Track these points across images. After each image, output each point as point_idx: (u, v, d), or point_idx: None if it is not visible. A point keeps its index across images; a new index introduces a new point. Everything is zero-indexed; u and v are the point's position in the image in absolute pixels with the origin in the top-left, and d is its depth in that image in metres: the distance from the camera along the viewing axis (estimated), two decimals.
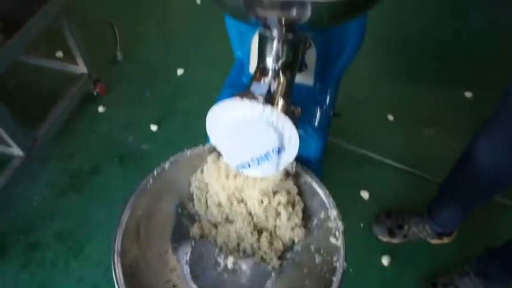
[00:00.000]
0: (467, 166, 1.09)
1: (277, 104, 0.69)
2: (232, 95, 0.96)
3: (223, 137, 0.74)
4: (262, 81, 0.73)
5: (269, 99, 0.68)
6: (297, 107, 0.90)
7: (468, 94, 1.84)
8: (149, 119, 1.67)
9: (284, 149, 0.72)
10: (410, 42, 2.06)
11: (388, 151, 1.59)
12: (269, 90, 0.71)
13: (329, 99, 0.99)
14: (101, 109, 1.69)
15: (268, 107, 0.65)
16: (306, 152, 0.91)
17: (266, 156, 0.73)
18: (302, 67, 0.95)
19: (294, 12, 0.53)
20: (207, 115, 0.71)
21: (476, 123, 1.73)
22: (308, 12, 0.53)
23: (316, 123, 0.91)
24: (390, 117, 1.72)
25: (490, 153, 1.02)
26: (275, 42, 0.72)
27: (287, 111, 0.73)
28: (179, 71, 1.83)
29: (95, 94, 1.70)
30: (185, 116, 1.69)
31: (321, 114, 0.94)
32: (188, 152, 0.90)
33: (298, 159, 0.93)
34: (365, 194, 1.48)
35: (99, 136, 1.62)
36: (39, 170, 1.49)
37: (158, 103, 1.73)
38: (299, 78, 0.96)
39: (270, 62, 0.77)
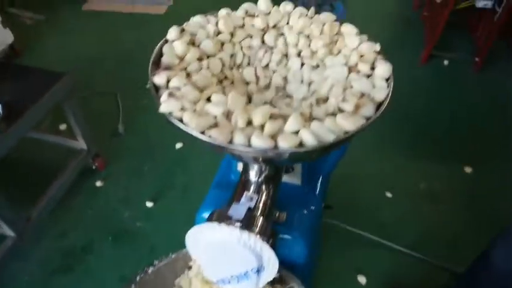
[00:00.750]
0: (485, 271, 1.06)
1: (255, 226, 0.69)
2: (219, 197, 0.96)
3: (203, 254, 0.73)
4: (244, 196, 0.74)
5: (247, 222, 0.68)
6: (282, 213, 0.90)
7: (468, 169, 1.82)
8: (146, 194, 1.67)
9: (264, 268, 0.71)
10: (407, 118, 2.09)
11: (386, 231, 1.55)
12: (249, 209, 0.71)
13: (318, 198, 0.99)
14: (99, 183, 1.71)
15: (245, 233, 0.65)
16: (292, 257, 0.90)
17: (245, 275, 0.71)
18: (289, 169, 0.96)
19: (267, 159, 0.54)
20: (187, 234, 0.70)
21: (477, 199, 1.72)
22: (282, 159, 0.54)
23: (302, 227, 0.90)
24: (389, 195, 1.70)
25: (508, 261, 0.99)
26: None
27: (267, 228, 0.72)
28: (178, 145, 1.86)
29: (93, 168, 1.72)
30: (182, 191, 1.70)
31: (308, 217, 0.93)
32: (172, 256, 0.89)
33: (284, 264, 0.91)
34: (362, 279, 1.43)
35: (95, 212, 1.62)
36: (31, 249, 1.48)
37: (156, 177, 1.74)
38: (287, 178, 0.97)
39: (252, 175, 0.77)
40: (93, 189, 1.69)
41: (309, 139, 0.51)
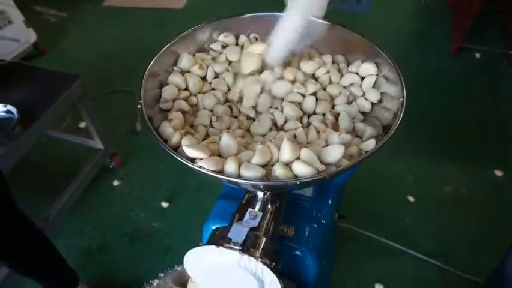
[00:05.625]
0: (500, 285, 0.99)
1: (258, 248, 0.65)
2: (226, 208, 0.93)
3: (203, 276, 0.70)
4: (247, 214, 0.70)
5: (249, 244, 0.64)
6: (291, 227, 0.86)
7: (498, 173, 1.71)
8: (162, 194, 1.67)
9: None
10: (434, 116, 1.99)
11: (407, 237, 1.49)
12: (252, 228, 0.67)
13: (330, 210, 0.94)
14: (115, 183, 1.72)
15: (245, 256, 0.62)
16: (301, 274, 0.86)
17: None
18: None
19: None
20: (186, 255, 0.68)
21: (507, 205, 1.62)
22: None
23: (312, 243, 0.86)
24: (411, 199, 1.63)
25: None
26: None
27: (271, 250, 0.68)
28: None
29: (111, 167, 1.73)
30: (197, 191, 1.68)
31: (318, 231, 0.88)
32: (178, 268, 0.88)
33: (294, 281, 0.87)
34: None
35: (111, 211, 1.63)
36: None
37: (171, 177, 1.74)
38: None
39: (258, 191, 0.74)
40: (110, 189, 1.71)
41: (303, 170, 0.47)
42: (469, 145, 1.85)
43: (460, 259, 1.43)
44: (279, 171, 0.46)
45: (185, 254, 0.70)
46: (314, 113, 0.71)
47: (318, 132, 0.61)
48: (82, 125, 1.92)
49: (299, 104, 0.67)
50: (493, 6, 2.49)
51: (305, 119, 0.65)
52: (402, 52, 2.24)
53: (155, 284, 0.86)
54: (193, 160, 0.54)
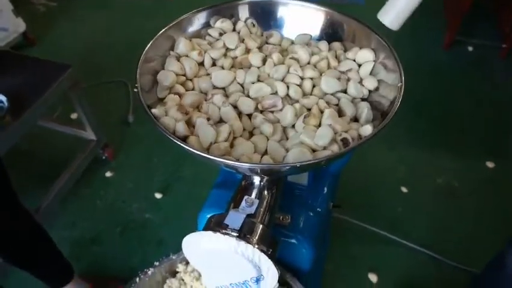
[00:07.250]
0: (501, 274, 1.00)
1: (254, 235, 0.65)
2: (222, 196, 0.92)
3: (200, 262, 0.70)
4: (244, 201, 0.70)
5: (246, 231, 0.64)
6: (287, 215, 0.86)
7: (490, 164, 1.73)
8: (155, 186, 1.66)
9: (263, 278, 0.67)
10: (427, 108, 2.00)
11: (400, 227, 1.50)
12: (248, 215, 0.67)
13: (325, 199, 0.94)
14: (108, 174, 1.70)
15: (242, 243, 0.61)
16: (297, 262, 0.86)
17: (245, 284, 0.68)
18: None
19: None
20: (183, 240, 0.67)
21: (499, 196, 1.63)
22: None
23: (308, 231, 0.86)
24: (404, 189, 1.64)
25: None
26: None
27: (267, 237, 0.68)
28: None
29: (103, 158, 1.71)
30: (191, 183, 1.67)
31: (314, 220, 0.88)
32: (173, 257, 0.87)
33: (289, 268, 0.87)
34: (373, 277, 1.39)
35: (104, 202, 1.61)
36: None
37: (165, 168, 1.72)
38: (293, 178, 0.92)
39: (255, 178, 0.73)
40: (103, 180, 1.69)
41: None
42: (461, 136, 1.87)
43: (452, 249, 1.44)
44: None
45: (179, 245, 0.70)
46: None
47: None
48: (74, 115, 1.89)
49: (298, 85, 0.67)
50: (485, 1, 2.50)
51: (304, 101, 0.65)
52: (395, 43, 2.24)
53: (149, 272, 0.85)
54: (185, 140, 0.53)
